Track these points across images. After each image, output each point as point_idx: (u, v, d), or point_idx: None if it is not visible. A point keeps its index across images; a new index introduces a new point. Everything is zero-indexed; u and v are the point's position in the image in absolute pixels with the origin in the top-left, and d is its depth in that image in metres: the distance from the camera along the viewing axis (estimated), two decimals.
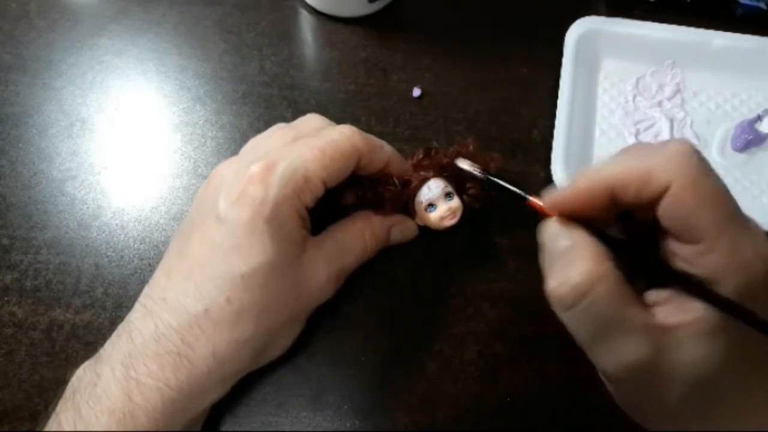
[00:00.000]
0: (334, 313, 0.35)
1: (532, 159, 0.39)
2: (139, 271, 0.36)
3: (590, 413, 0.33)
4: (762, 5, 0.43)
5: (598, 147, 0.40)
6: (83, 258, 0.36)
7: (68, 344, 0.34)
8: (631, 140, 0.40)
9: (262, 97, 0.41)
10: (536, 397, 0.34)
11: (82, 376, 0.28)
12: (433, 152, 0.35)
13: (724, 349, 0.23)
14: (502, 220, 0.37)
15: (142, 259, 0.36)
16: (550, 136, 0.38)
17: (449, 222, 0.33)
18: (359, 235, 0.32)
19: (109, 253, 0.36)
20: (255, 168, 0.28)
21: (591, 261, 0.24)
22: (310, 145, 0.30)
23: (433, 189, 0.33)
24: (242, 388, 0.32)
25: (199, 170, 0.39)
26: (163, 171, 0.39)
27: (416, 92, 0.41)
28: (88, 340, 0.34)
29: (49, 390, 0.33)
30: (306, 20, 0.44)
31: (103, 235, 0.37)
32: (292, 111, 0.40)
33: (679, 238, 0.24)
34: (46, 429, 0.27)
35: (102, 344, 0.29)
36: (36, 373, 0.33)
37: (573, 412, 0.33)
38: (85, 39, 0.43)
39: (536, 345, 0.35)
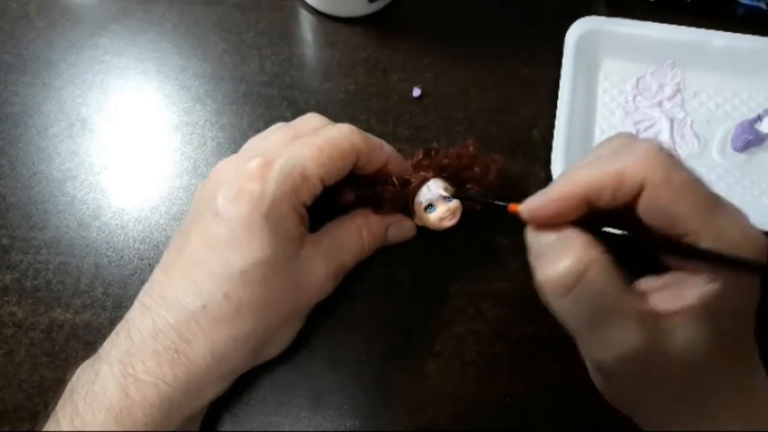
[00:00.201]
0: (334, 313, 0.35)
1: (532, 159, 0.39)
2: (139, 271, 0.36)
3: (590, 413, 0.33)
4: (762, 5, 0.43)
5: None
6: (83, 258, 0.36)
7: (68, 344, 0.34)
8: None
9: (262, 97, 0.41)
10: (536, 397, 0.34)
11: (81, 374, 0.28)
12: (433, 153, 0.34)
13: (716, 335, 0.24)
14: (502, 220, 0.37)
15: (142, 259, 0.36)
16: (550, 136, 0.38)
17: (448, 223, 0.33)
18: (357, 233, 0.32)
19: (109, 253, 0.36)
20: (253, 165, 0.28)
21: (582, 247, 0.24)
22: (308, 143, 0.30)
23: (432, 189, 0.33)
24: (242, 387, 0.32)
25: (199, 170, 0.39)
26: (163, 171, 0.39)
27: (416, 92, 0.41)
28: (88, 340, 0.34)
29: (49, 390, 0.33)
30: (306, 20, 0.44)
31: (103, 235, 0.37)
32: (292, 111, 0.40)
33: (666, 232, 0.25)
34: (45, 428, 0.27)
35: (102, 344, 0.29)
36: (36, 373, 0.33)
37: (573, 412, 0.33)
38: (84, 39, 0.43)
39: (536, 345, 0.35)
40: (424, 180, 0.33)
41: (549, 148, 0.38)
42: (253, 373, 0.32)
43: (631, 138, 0.27)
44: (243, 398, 0.33)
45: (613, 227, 0.26)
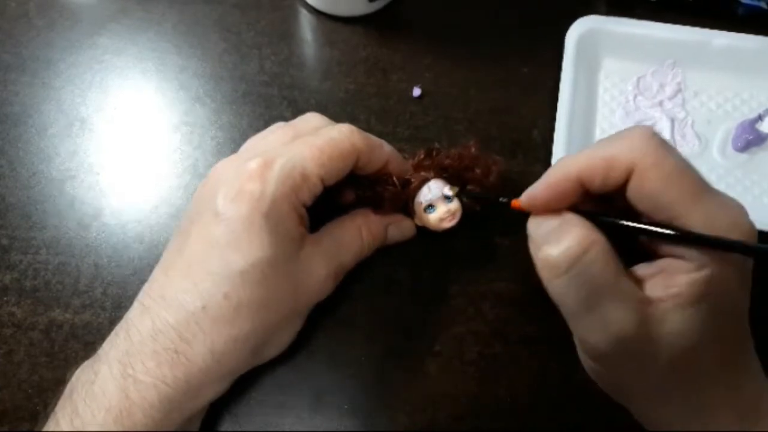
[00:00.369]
0: (334, 313, 0.35)
1: (532, 159, 0.39)
2: (138, 271, 0.36)
3: (590, 413, 0.33)
4: (763, 5, 0.42)
5: None
6: (82, 258, 0.36)
7: (67, 344, 0.34)
8: None
9: (261, 96, 0.41)
10: (536, 397, 0.34)
11: (80, 374, 0.28)
12: (434, 153, 0.34)
13: (707, 322, 0.24)
14: (502, 220, 0.37)
15: (141, 259, 0.36)
16: (550, 136, 0.38)
17: (448, 224, 0.33)
18: (356, 233, 0.32)
19: (108, 253, 0.36)
20: (253, 165, 0.28)
21: (581, 229, 0.25)
22: (308, 143, 0.30)
23: (433, 190, 0.33)
24: (242, 387, 0.32)
25: (199, 170, 0.39)
26: (163, 171, 0.39)
27: (416, 92, 0.41)
28: (88, 340, 0.34)
29: (48, 390, 0.33)
30: (306, 20, 0.44)
31: (103, 235, 0.37)
32: (292, 111, 0.40)
33: (654, 218, 0.25)
34: (45, 428, 0.27)
35: (101, 344, 0.29)
36: (35, 373, 0.33)
37: (573, 411, 0.33)
38: (84, 38, 0.43)
39: (536, 345, 0.35)
40: (425, 180, 0.33)
41: (549, 148, 0.38)
42: (253, 373, 0.32)
43: (632, 127, 0.27)
44: (243, 398, 0.33)
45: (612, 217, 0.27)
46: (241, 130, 0.40)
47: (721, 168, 0.39)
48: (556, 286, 0.26)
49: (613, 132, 0.40)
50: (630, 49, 0.42)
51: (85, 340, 0.34)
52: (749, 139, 0.39)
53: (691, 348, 0.24)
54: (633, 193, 0.25)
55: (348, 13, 0.43)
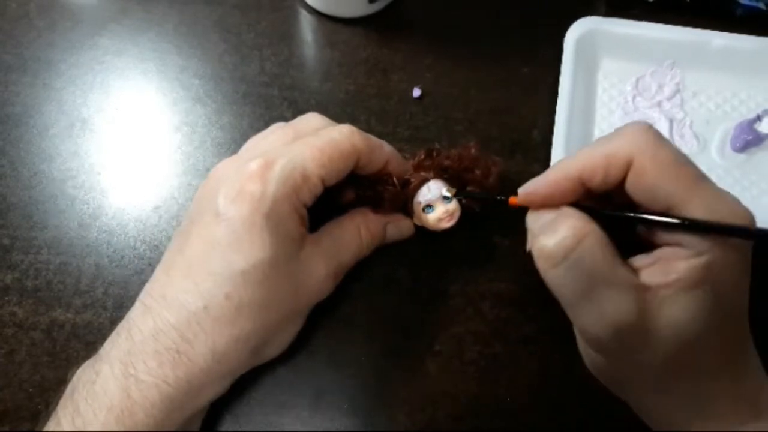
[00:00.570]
0: (334, 313, 0.35)
1: (532, 159, 0.39)
2: (139, 270, 0.36)
3: (590, 413, 0.33)
4: (761, 5, 0.43)
5: None
6: (84, 258, 0.36)
7: (69, 344, 0.34)
8: None
9: (262, 97, 0.41)
10: (536, 397, 0.34)
11: (81, 374, 0.28)
12: (434, 153, 0.34)
13: (706, 307, 0.24)
14: (502, 220, 0.37)
15: (142, 259, 0.36)
16: (550, 136, 0.38)
17: (446, 224, 0.33)
18: (356, 232, 0.33)
19: (109, 253, 0.36)
20: (254, 165, 0.28)
21: (577, 220, 0.25)
22: (309, 143, 0.30)
23: (432, 190, 0.33)
24: (242, 387, 0.32)
25: (200, 170, 0.39)
26: (164, 171, 0.39)
27: (416, 92, 0.41)
28: (89, 340, 0.34)
29: (49, 390, 0.33)
30: (306, 20, 0.44)
31: (104, 235, 0.37)
32: (293, 111, 0.40)
33: (652, 209, 0.25)
34: (46, 428, 0.27)
35: (102, 344, 0.29)
36: (36, 373, 0.33)
37: (573, 411, 0.33)
38: (85, 39, 0.43)
39: (536, 345, 0.35)
40: (424, 180, 0.33)
41: (549, 148, 0.38)
42: (253, 373, 0.32)
43: (629, 123, 0.27)
44: (243, 398, 0.33)
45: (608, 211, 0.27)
46: (242, 131, 0.40)
47: (719, 168, 0.39)
48: (552, 277, 0.26)
49: None
50: (629, 50, 0.42)
51: (86, 339, 0.34)
52: (748, 139, 0.39)
53: (691, 335, 0.24)
54: (631, 185, 0.26)
55: (348, 14, 0.43)
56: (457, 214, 0.34)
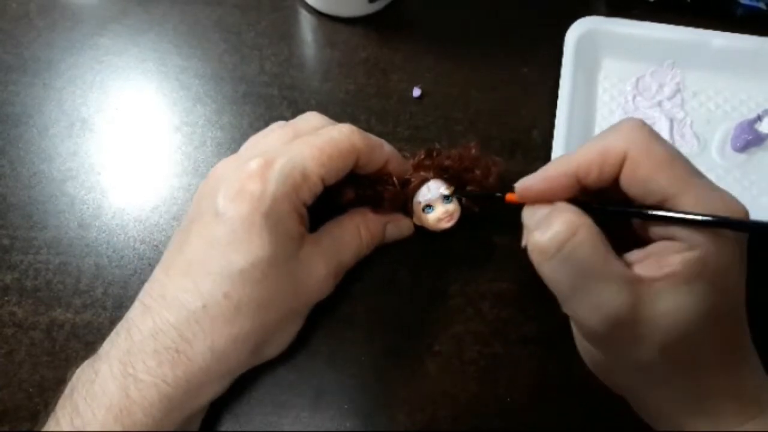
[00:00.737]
0: (334, 313, 0.35)
1: (532, 159, 0.39)
2: (139, 271, 0.36)
3: (590, 413, 0.33)
4: (762, 5, 0.43)
5: None
6: (83, 258, 0.36)
7: (68, 344, 0.34)
8: None
9: (262, 97, 0.41)
10: (536, 397, 0.34)
11: (81, 374, 0.28)
12: (434, 153, 0.34)
13: (701, 300, 0.24)
14: (502, 220, 0.37)
15: (142, 259, 0.36)
16: (550, 136, 0.38)
17: (446, 224, 0.33)
18: (356, 232, 0.33)
19: (109, 253, 0.36)
20: (253, 164, 0.28)
21: (571, 214, 0.26)
22: (308, 143, 0.30)
23: (432, 190, 0.33)
24: (242, 387, 0.32)
25: (200, 170, 0.39)
26: (164, 171, 0.39)
27: (416, 92, 0.41)
28: (89, 339, 0.34)
29: (49, 390, 0.33)
30: (306, 20, 0.44)
31: (104, 235, 0.37)
32: (293, 111, 0.40)
33: (647, 203, 0.26)
34: (45, 428, 0.27)
35: (102, 344, 0.29)
36: (36, 372, 0.33)
37: (573, 412, 0.33)
38: (85, 39, 0.43)
39: (536, 345, 0.35)
40: (424, 180, 0.33)
41: (549, 148, 0.38)
42: (253, 373, 0.32)
43: (622, 120, 0.28)
44: (243, 398, 0.33)
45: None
46: (242, 131, 0.40)
47: (719, 168, 0.39)
48: (546, 270, 0.26)
49: None
50: (629, 50, 0.42)
51: (86, 339, 0.34)
52: (748, 139, 0.39)
53: (687, 328, 0.24)
54: (626, 180, 0.26)
55: (348, 13, 0.43)
56: (457, 215, 0.34)
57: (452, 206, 0.33)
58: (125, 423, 0.26)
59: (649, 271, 0.25)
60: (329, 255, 0.31)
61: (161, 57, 0.42)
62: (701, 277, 0.24)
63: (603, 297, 0.25)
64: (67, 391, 0.28)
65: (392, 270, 0.36)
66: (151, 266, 0.31)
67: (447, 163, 0.34)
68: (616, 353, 0.27)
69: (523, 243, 0.28)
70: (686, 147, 0.40)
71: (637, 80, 0.42)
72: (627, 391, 0.29)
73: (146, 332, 0.27)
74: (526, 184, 0.28)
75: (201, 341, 0.27)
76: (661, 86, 0.42)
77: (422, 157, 0.34)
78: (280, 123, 0.33)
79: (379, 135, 0.33)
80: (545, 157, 0.39)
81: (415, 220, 0.35)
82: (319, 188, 0.30)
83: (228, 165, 0.31)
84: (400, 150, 0.34)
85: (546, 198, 0.27)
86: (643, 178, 0.25)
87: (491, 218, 0.36)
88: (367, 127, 0.36)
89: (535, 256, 0.27)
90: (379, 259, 0.35)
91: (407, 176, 0.33)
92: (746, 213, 0.25)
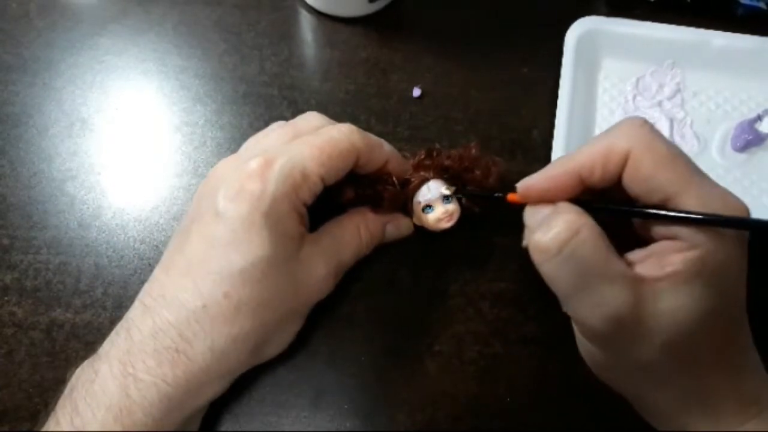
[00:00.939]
0: (334, 314, 0.35)
1: (532, 159, 0.39)
2: (139, 271, 0.36)
3: (590, 413, 0.33)
4: (762, 5, 0.43)
5: None
6: (83, 258, 0.36)
7: (68, 344, 0.34)
8: None
9: (262, 97, 0.41)
10: (535, 397, 0.34)
11: (80, 373, 0.28)
12: (434, 153, 0.34)
13: (702, 299, 0.24)
14: (502, 221, 0.37)
15: (142, 259, 0.36)
16: (550, 136, 0.38)
17: (445, 224, 0.33)
18: (355, 231, 0.33)
19: (109, 253, 0.36)
20: (253, 164, 0.28)
21: (572, 213, 0.26)
22: (308, 142, 0.30)
23: (432, 190, 0.33)
24: (242, 387, 0.32)
25: (200, 170, 0.39)
26: (164, 171, 0.39)
27: (416, 92, 0.41)
28: (89, 339, 0.34)
29: (49, 390, 0.33)
30: (306, 20, 0.44)
31: (103, 235, 0.37)
32: (293, 111, 0.40)
33: (649, 202, 0.26)
34: (45, 428, 0.27)
35: (102, 344, 0.29)
36: (36, 372, 0.33)
37: (573, 412, 0.33)
38: (85, 39, 0.43)
39: (536, 345, 0.35)
40: (424, 180, 0.33)
41: (549, 148, 0.38)
42: (253, 373, 0.32)
43: (624, 119, 0.28)
44: (243, 398, 0.33)
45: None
46: (242, 131, 0.40)
47: (720, 168, 0.39)
48: (548, 270, 0.26)
49: None
50: (629, 50, 0.42)
51: (86, 339, 0.34)
52: (748, 139, 0.39)
53: (688, 328, 0.24)
54: (628, 178, 0.26)
55: (348, 13, 0.43)
56: (457, 215, 0.34)
57: (452, 206, 0.33)
58: (125, 423, 0.26)
59: (651, 271, 0.25)
60: (329, 254, 0.31)
61: (161, 57, 0.42)
62: (702, 276, 0.24)
63: (604, 297, 0.25)
64: (66, 390, 0.28)
65: (392, 270, 0.36)
66: (151, 266, 0.31)
67: (447, 163, 0.34)
68: (617, 353, 0.27)
69: (524, 243, 0.28)
70: (686, 147, 0.40)
71: (637, 80, 0.42)
72: (628, 390, 0.29)
73: (146, 332, 0.27)
74: (527, 183, 0.28)
75: (201, 341, 0.27)
76: (661, 86, 0.42)
77: (422, 157, 0.34)
78: (280, 123, 0.33)
79: (379, 135, 0.33)
80: (545, 157, 0.39)
81: (414, 220, 0.35)
82: (318, 188, 0.30)
83: (228, 165, 0.31)
84: (400, 150, 0.34)
85: (548, 198, 0.27)
86: (645, 176, 0.25)
87: (491, 218, 0.36)
88: (367, 127, 0.36)
89: (536, 256, 0.26)
90: (379, 259, 0.35)
91: (407, 176, 0.33)
92: (748, 211, 0.25)
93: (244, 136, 0.34)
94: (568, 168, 0.27)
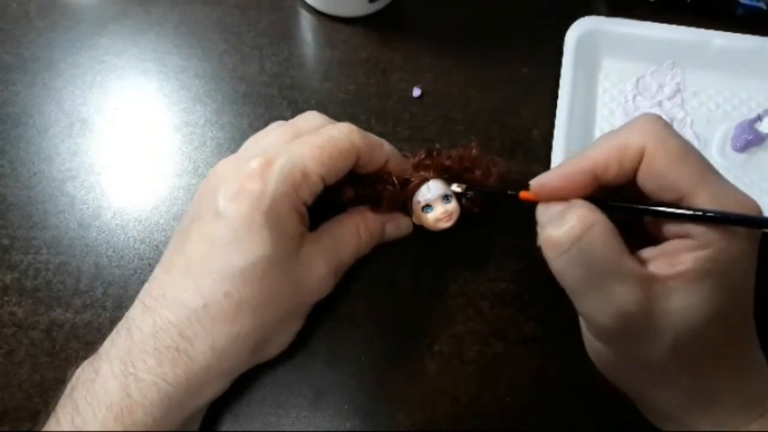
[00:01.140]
0: (334, 313, 0.35)
1: (532, 159, 0.39)
2: (139, 271, 0.36)
3: (590, 413, 0.33)
4: (762, 5, 0.43)
5: None
6: (83, 258, 0.36)
7: (68, 344, 0.34)
8: None
9: (262, 97, 0.41)
10: (536, 397, 0.34)
11: (81, 373, 0.28)
12: (435, 153, 0.34)
13: (711, 298, 0.24)
14: (502, 220, 0.37)
15: (142, 259, 0.36)
16: (550, 136, 0.38)
17: (444, 224, 0.33)
18: (355, 230, 0.33)
19: (109, 253, 0.36)
20: (254, 164, 0.28)
21: (585, 209, 0.26)
22: (308, 142, 0.30)
23: (432, 190, 0.33)
24: (242, 387, 0.32)
25: (199, 170, 0.39)
26: (163, 171, 0.39)
27: (416, 92, 0.41)
28: (88, 340, 0.34)
29: (49, 390, 0.33)
30: (306, 20, 0.44)
31: (103, 235, 0.37)
32: (292, 111, 0.40)
33: (662, 198, 0.26)
34: (45, 427, 0.27)
35: (102, 344, 0.29)
36: (36, 372, 0.33)
37: (573, 412, 0.33)
38: (85, 39, 0.43)
39: (536, 345, 0.35)
40: (424, 180, 0.33)
41: (549, 148, 0.38)
42: (253, 373, 0.32)
43: (638, 116, 0.28)
44: (243, 398, 0.33)
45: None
46: (242, 131, 0.40)
47: (720, 168, 0.38)
48: (559, 266, 0.26)
49: None
50: (629, 50, 0.42)
51: (86, 339, 0.34)
52: (748, 139, 0.39)
53: (696, 326, 0.24)
54: (642, 175, 0.26)
55: (348, 13, 0.43)
56: (456, 215, 0.34)
57: (451, 206, 0.33)
58: (126, 422, 0.26)
59: (662, 269, 0.25)
60: (329, 254, 0.31)
61: (161, 57, 0.42)
62: (713, 275, 0.24)
63: (615, 294, 0.25)
64: (67, 390, 0.28)
65: (392, 270, 0.36)
66: (151, 266, 0.31)
67: (447, 163, 0.34)
68: (624, 350, 0.27)
69: (539, 242, 0.28)
70: None
71: (637, 80, 0.42)
72: (632, 389, 0.29)
73: (147, 331, 0.27)
74: (541, 181, 0.28)
75: (202, 340, 0.27)
76: (661, 86, 0.42)
77: (422, 157, 0.34)
78: (280, 122, 0.33)
79: (379, 135, 0.33)
80: (545, 157, 0.39)
81: (414, 219, 0.35)
82: (319, 187, 0.30)
83: (228, 165, 0.31)
84: (399, 150, 0.34)
85: (561, 196, 0.27)
86: (659, 173, 0.25)
87: (491, 218, 0.37)
88: (367, 127, 0.36)
89: (548, 251, 0.26)
90: (378, 258, 0.35)
91: (407, 176, 0.33)
92: (760, 210, 0.25)
93: (244, 136, 0.34)
94: (583, 165, 0.27)
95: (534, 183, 0.28)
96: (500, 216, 0.37)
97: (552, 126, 0.38)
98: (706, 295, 0.24)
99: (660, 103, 0.41)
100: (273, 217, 0.28)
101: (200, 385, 0.28)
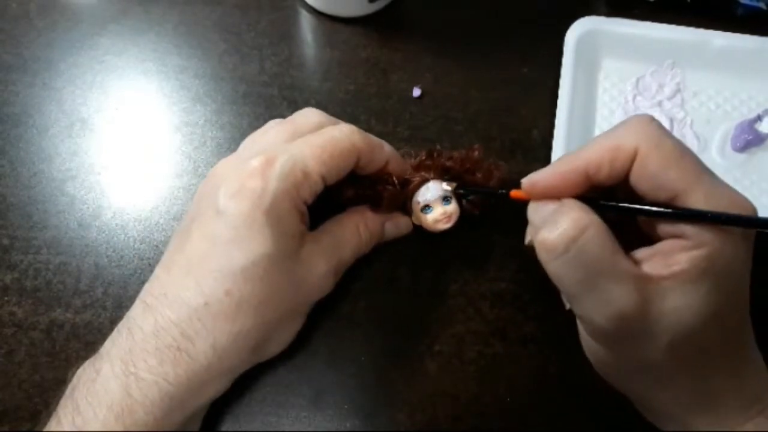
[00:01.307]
0: (334, 313, 0.35)
1: (532, 159, 0.39)
2: (139, 271, 0.36)
3: (590, 413, 0.33)
4: (762, 5, 0.43)
5: None
6: (83, 258, 0.36)
7: (68, 344, 0.34)
8: None
9: (262, 97, 0.41)
10: (536, 397, 0.34)
11: (82, 373, 0.28)
12: (435, 154, 0.34)
13: (707, 298, 0.24)
14: (502, 221, 0.37)
15: (142, 259, 0.36)
16: (550, 136, 0.38)
17: (443, 225, 0.33)
18: (355, 230, 0.33)
19: (109, 253, 0.36)
20: (254, 162, 0.28)
21: (579, 211, 0.25)
22: (309, 141, 0.30)
23: (431, 190, 0.33)
24: (242, 387, 0.32)
25: (200, 170, 0.39)
26: (163, 171, 0.39)
27: (416, 92, 0.41)
28: (89, 340, 0.34)
29: (49, 390, 0.33)
30: (306, 20, 0.44)
31: (103, 235, 0.37)
32: (292, 111, 0.40)
33: (656, 199, 0.26)
34: (46, 427, 0.27)
35: (102, 344, 0.29)
36: (36, 373, 0.33)
37: (573, 412, 0.33)
38: (85, 39, 0.43)
39: (536, 345, 0.35)
40: (424, 180, 0.33)
41: (549, 148, 0.38)
42: (253, 373, 0.32)
43: (631, 116, 0.28)
44: (243, 398, 0.33)
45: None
46: (242, 130, 0.40)
47: (720, 168, 0.39)
48: (554, 268, 0.26)
49: None
50: (629, 50, 0.42)
51: (86, 339, 0.34)
52: (748, 139, 0.39)
53: (693, 326, 0.24)
54: (635, 176, 0.26)
55: (348, 13, 0.43)
56: (455, 216, 0.34)
57: (451, 207, 0.33)
58: (126, 422, 0.26)
59: (657, 270, 0.25)
60: (329, 253, 0.31)
61: (161, 57, 0.42)
62: (708, 275, 0.24)
63: (611, 295, 0.25)
64: (68, 390, 0.28)
65: (392, 269, 0.36)
66: (151, 266, 0.31)
67: (449, 164, 0.34)
68: (622, 351, 0.27)
69: (527, 241, 0.28)
70: None
71: (637, 80, 0.42)
72: (631, 389, 0.29)
73: (148, 331, 0.27)
74: (533, 179, 0.28)
75: (203, 339, 0.27)
76: (661, 86, 0.42)
77: (423, 157, 0.34)
78: (278, 120, 0.33)
79: (379, 135, 0.33)
80: (545, 157, 0.39)
81: (413, 219, 0.35)
82: (319, 187, 0.30)
83: (228, 164, 0.31)
84: (399, 150, 0.34)
85: (553, 195, 0.27)
86: (652, 173, 0.25)
87: (491, 218, 0.36)
88: (367, 127, 0.36)
89: (542, 255, 0.26)
90: (378, 258, 0.35)
91: (407, 176, 0.33)
92: (755, 210, 0.25)
93: (244, 136, 0.34)
94: (575, 165, 0.27)
95: (525, 181, 0.28)
96: (500, 216, 0.37)
97: (552, 126, 0.38)
98: (701, 296, 0.24)
99: (660, 103, 0.41)
100: (274, 216, 0.28)
101: (201, 384, 0.28)
